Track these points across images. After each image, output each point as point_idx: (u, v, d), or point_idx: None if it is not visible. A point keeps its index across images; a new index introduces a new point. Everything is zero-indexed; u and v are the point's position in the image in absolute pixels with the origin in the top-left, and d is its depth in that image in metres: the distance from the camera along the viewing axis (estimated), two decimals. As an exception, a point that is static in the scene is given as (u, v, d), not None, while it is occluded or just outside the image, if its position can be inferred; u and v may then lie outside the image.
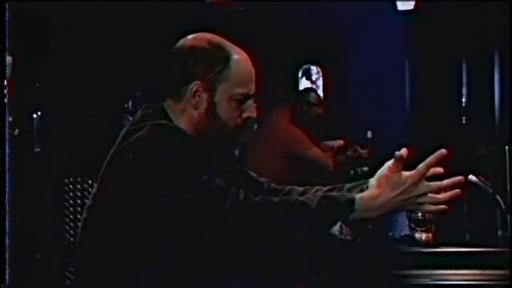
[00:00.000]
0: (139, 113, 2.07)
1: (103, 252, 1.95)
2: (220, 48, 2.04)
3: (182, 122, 2.04)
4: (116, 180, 1.94)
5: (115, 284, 1.94)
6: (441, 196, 1.93)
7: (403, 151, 1.97)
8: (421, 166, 1.94)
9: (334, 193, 1.98)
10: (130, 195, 1.89)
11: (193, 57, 2.02)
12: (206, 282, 1.95)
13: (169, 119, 2.03)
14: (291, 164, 4.79)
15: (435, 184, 1.93)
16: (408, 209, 1.98)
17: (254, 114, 2.07)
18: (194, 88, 2.02)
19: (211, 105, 2.03)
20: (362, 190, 2.02)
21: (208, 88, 2.02)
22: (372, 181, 2.02)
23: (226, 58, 2.02)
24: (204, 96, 2.02)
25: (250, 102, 2.06)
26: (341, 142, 5.31)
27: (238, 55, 2.05)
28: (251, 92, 2.06)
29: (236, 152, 4.61)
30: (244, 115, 2.06)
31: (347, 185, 2.12)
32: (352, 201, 1.90)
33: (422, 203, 1.93)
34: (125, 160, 1.91)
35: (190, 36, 2.08)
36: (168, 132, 1.95)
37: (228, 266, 1.99)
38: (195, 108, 2.03)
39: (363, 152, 4.93)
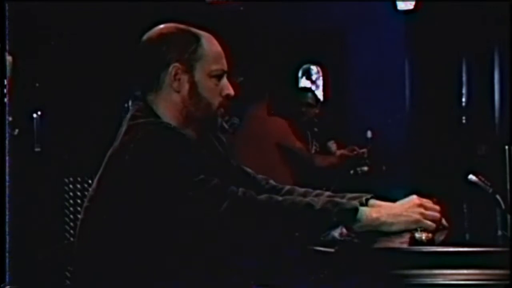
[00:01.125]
0: (132, 108, 2.09)
1: (101, 252, 1.95)
2: (187, 31, 2.09)
3: (167, 112, 2.05)
4: (112, 181, 1.94)
5: (114, 284, 1.94)
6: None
7: None
8: None
9: (339, 199, 1.98)
10: (127, 196, 1.89)
11: (165, 42, 2.06)
12: (205, 281, 1.95)
13: (155, 115, 2.04)
14: (282, 155, 4.77)
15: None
16: (411, 222, 2.00)
17: (232, 91, 2.10)
18: (173, 71, 2.04)
19: (193, 85, 2.06)
20: (361, 203, 2.05)
21: (186, 69, 2.05)
22: (374, 201, 2.07)
23: (196, 38, 2.07)
24: (184, 77, 2.05)
25: (225, 79, 2.09)
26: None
27: (205, 36, 2.10)
28: (225, 68, 2.10)
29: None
30: (223, 93, 2.09)
31: (349, 195, 2.14)
32: (355, 209, 1.93)
33: (425, 217, 1.97)
34: (121, 161, 1.92)
35: (155, 28, 2.12)
36: (163, 131, 1.95)
37: (227, 265, 1.99)
38: (177, 91, 2.05)
39: (361, 151, 4.91)
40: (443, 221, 2.10)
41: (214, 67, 2.07)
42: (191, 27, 2.11)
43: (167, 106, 2.06)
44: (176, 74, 2.04)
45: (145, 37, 2.11)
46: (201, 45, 2.06)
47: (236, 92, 2.12)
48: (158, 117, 2.04)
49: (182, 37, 2.07)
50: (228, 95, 2.10)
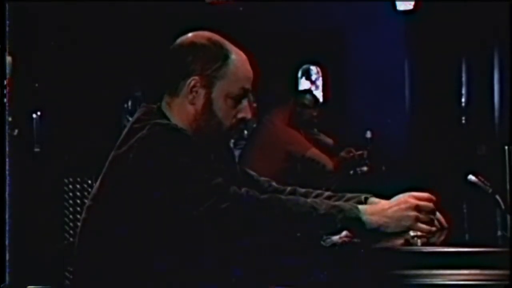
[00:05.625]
0: (139, 111, 2.08)
1: (102, 252, 1.95)
2: (219, 46, 2.06)
3: (179, 119, 2.04)
4: (116, 180, 1.94)
5: (115, 284, 1.94)
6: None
7: None
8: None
9: (343, 205, 1.98)
10: (130, 195, 1.89)
11: (192, 52, 2.04)
12: (206, 281, 1.95)
13: (167, 118, 2.04)
14: (290, 164, 4.80)
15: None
16: (405, 225, 2.00)
17: (249, 115, 2.08)
18: (192, 83, 2.03)
19: (208, 101, 2.04)
20: (359, 202, 2.06)
21: (205, 84, 2.03)
22: (374, 199, 2.08)
23: (225, 56, 2.04)
24: (202, 92, 2.03)
25: (245, 102, 2.07)
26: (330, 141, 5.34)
27: (237, 54, 2.07)
28: (248, 92, 2.07)
29: (236, 152, 4.61)
30: (239, 115, 2.07)
31: (348, 195, 2.14)
32: (359, 218, 1.94)
33: (419, 219, 1.98)
34: (126, 160, 1.92)
35: (190, 34, 2.10)
36: (168, 132, 1.95)
37: (227, 265, 1.99)
38: (192, 103, 2.04)
39: (358, 153, 4.91)
40: (441, 219, 2.10)
41: (234, 89, 2.04)
42: (225, 42, 2.07)
43: (180, 113, 2.06)
44: (194, 86, 2.03)
45: (177, 41, 2.08)
46: (227, 64, 2.03)
47: (252, 114, 2.11)
48: (167, 119, 2.03)
49: (211, 51, 2.04)
50: (243, 119, 2.08)
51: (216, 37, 2.08)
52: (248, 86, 2.07)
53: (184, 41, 2.08)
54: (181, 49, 2.06)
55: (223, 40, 2.08)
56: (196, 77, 2.03)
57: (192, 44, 2.06)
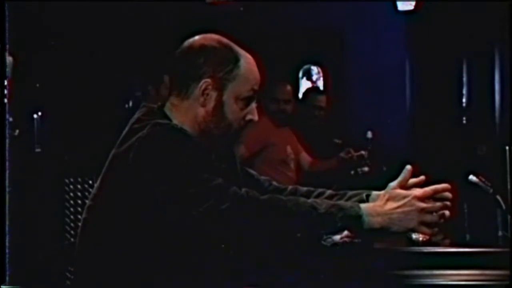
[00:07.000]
0: (139, 111, 2.07)
1: (103, 252, 1.95)
2: (229, 48, 2.07)
3: (186, 121, 2.04)
4: (116, 179, 1.94)
5: (115, 284, 1.94)
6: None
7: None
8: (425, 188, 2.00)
9: (343, 204, 1.98)
10: (130, 194, 1.89)
11: (204, 55, 2.04)
12: (206, 280, 1.95)
13: (168, 119, 2.04)
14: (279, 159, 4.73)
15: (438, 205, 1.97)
16: (408, 227, 1.99)
17: (256, 117, 2.09)
18: (204, 86, 2.03)
19: (219, 103, 2.04)
20: (361, 199, 2.05)
21: (217, 86, 2.03)
22: (376, 193, 2.05)
23: (235, 58, 2.05)
24: (213, 94, 2.04)
25: (253, 105, 2.08)
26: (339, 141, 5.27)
27: (246, 56, 2.08)
28: (256, 94, 2.08)
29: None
30: (248, 117, 2.08)
31: (350, 193, 2.14)
32: (360, 216, 1.92)
33: (422, 222, 1.96)
34: (126, 159, 1.92)
35: (198, 36, 2.10)
36: (169, 131, 1.96)
37: (227, 264, 1.99)
38: (203, 106, 2.04)
39: (357, 154, 4.89)
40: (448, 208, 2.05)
41: (245, 91, 2.05)
42: (233, 44, 2.08)
43: (188, 115, 2.05)
44: (205, 89, 2.03)
45: (186, 43, 2.08)
46: (238, 66, 2.04)
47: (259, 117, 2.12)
48: (168, 119, 2.03)
49: (222, 53, 2.05)
50: (251, 121, 2.08)
51: (224, 39, 2.09)
52: (257, 87, 2.08)
53: (193, 44, 2.07)
54: (191, 52, 2.06)
55: (231, 42, 2.09)
56: (208, 80, 2.03)
57: (202, 46, 2.06)
